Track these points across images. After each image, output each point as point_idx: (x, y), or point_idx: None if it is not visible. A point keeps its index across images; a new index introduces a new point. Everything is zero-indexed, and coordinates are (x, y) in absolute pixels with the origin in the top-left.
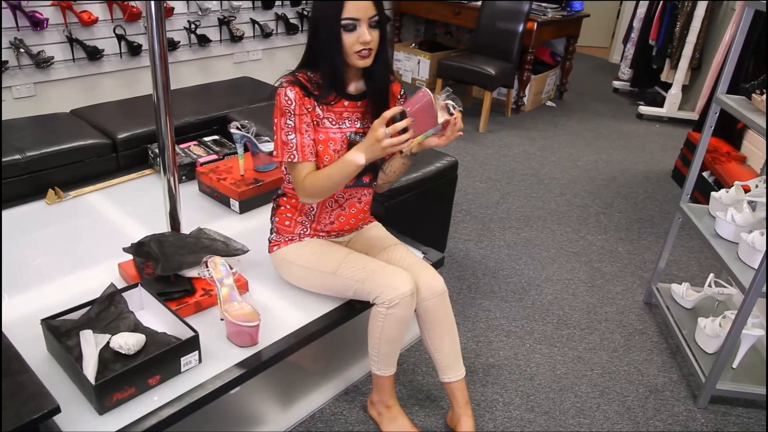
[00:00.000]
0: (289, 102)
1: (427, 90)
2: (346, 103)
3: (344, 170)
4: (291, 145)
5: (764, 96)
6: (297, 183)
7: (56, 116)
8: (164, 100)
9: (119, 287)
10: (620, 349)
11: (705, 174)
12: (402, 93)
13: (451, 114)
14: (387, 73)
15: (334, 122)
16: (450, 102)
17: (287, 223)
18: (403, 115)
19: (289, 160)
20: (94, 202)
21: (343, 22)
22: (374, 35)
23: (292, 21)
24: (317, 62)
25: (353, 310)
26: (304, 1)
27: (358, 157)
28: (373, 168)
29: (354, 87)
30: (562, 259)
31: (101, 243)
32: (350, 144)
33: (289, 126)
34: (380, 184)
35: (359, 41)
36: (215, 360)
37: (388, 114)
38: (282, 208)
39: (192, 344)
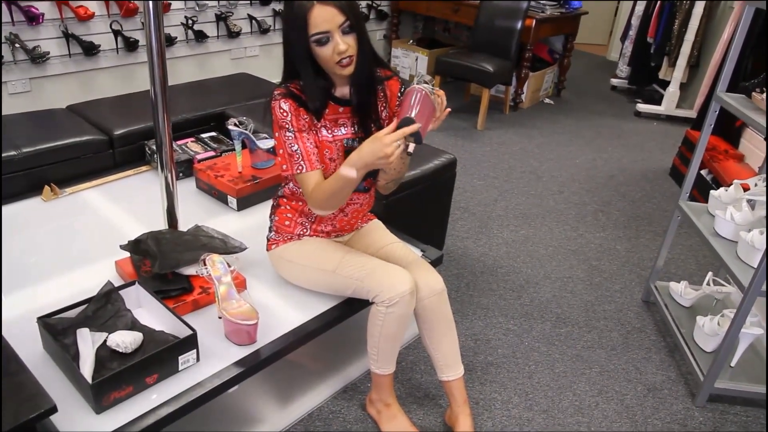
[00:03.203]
0: (285, 114)
1: (417, 86)
2: (340, 109)
3: (342, 184)
4: (297, 156)
5: (764, 94)
6: (306, 195)
7: (52, 112)
8: (162, 97)
9: (116, 285)
10: (619, 348)
11: (703, 172)
12: (402, 90)
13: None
14: (372, 76)
15: (329, 130)
16: (428, 86)
17: (287, 223)
18: (407, 121)
19: (298, 171)
20: (91, 199)
21: (313, 38)
22: (349, 41)
23: None
24: (300, 74)
25: (352, 308)
26: None
27: (350, 172)
28: (372, 173)
29: (347, 91)
30: (561, 256)
31: (98, 240)
32: (347, 151)
33: (290, 138)
34: (383, 185)
35: (336, 52)
36: (213, 358)
37: (408, 130)
38: (282, 207)
39: (190, 343)
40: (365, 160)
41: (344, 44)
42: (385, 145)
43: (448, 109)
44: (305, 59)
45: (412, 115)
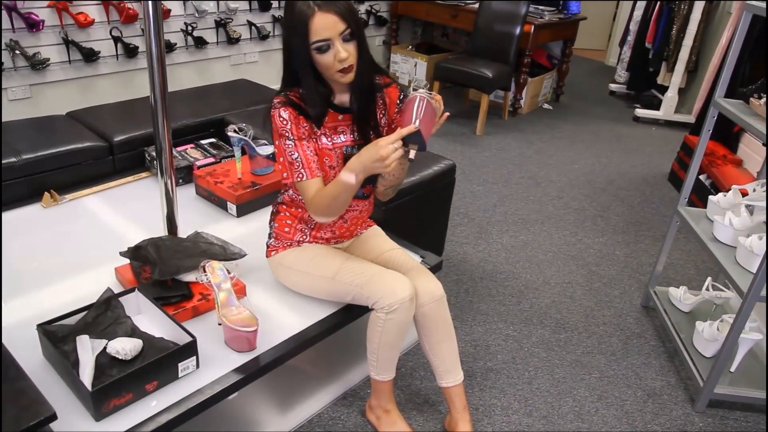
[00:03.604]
0: (285, 122)
1: (417, 93)
2: (340, 116)
3: (341, 190)
4: (297, 164)
5: (762, 100)
6: (307, 203)
7: (52, 118)
8: (162, 103)
9: (116, 292)
10: (618, 353)
11: (701, 177)
12: (401, 97)
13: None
14: (371, 83)
15: (328, 137)
16: (424, 91)
17: (287, 229)
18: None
19: (299, 179)
20: (91, 206)
21: (314, 45)
22: (350, 49)
23: None
24: (299, 82)
25: (352, 314)
26: None
27: (349, 177)
28: (371, 179)
29: (346, 99)
30: (560, 262)
31: (98, 247)
32: (346, 158)
33: (290, 146)
34: (382, 191)
35: (336, 60)
36: (213, 365)
37: (404, 132)
38: (282, 214)
39: (189, 349)
40: (364, 164)
41: (345, 52)
42: (381, 147)
43: (447, 114)
44: (306, 66)
45: (416, 123)
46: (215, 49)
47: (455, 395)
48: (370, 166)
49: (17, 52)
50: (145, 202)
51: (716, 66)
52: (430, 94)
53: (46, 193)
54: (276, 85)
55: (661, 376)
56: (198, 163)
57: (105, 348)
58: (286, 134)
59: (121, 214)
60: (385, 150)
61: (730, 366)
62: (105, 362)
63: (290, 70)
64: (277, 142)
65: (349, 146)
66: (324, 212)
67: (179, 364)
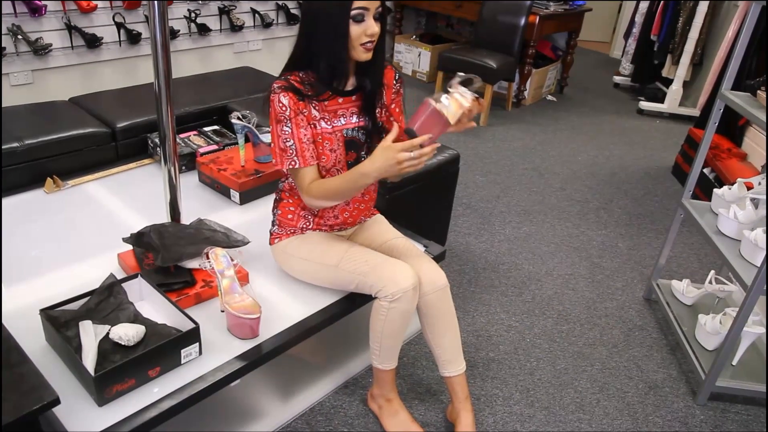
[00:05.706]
0: (284, 108)
1: (430, 100)
2: (340, 99)
3: (354, 185)
4: (290, 151)
5: None
6: (301, 189)
7: (54, 104)
8: (165, 90)
9: (119, 278)
10: (620, 345)
11: (705, 170)
12: (397, 78)
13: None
14: (383, 66)
15: (328, 121)
16: (458, 94)
17: (290, 216)
18: (410, 132)
19: (291, 166)
20: (93, 192)
21: (353, 12)
22: (378, 27)
23: (292, 11)
24: (312, 59)
25: (354, 303)
26: None
27: (367, 178)
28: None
29: (348, 82)
30: (562, 254)
31: (100, 233)
32: (346, 141)
33: (286, 133)
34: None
35: (365, 33)
36: (215, 352)
37: (416, 142)
38: (284, 201)
39: (192, 336)
40: (380, 168)
41: (376, 27)
42: (397, 153)
43: (473, 124)
44: (342, 29)
45: (415, 127)
46: (218, 37)
47: (457, 385)
48: (385, 169)
49: (19, 37)
50: (148, 188)
51: (722, 59)
52: (461, 96)
53: (48, 178)
54: (278, 73)
55: (663, 368)
56: (201, 150)
57: (108, 334)
58: (284, 120)
59: (123, 201)
60: (402, 155)
61: (732, 359)
62: (108, 348)
63: (308, 47)
64: (272, 127)
65: (349, 129)
66: (321, 202)
67: (182, 351)
